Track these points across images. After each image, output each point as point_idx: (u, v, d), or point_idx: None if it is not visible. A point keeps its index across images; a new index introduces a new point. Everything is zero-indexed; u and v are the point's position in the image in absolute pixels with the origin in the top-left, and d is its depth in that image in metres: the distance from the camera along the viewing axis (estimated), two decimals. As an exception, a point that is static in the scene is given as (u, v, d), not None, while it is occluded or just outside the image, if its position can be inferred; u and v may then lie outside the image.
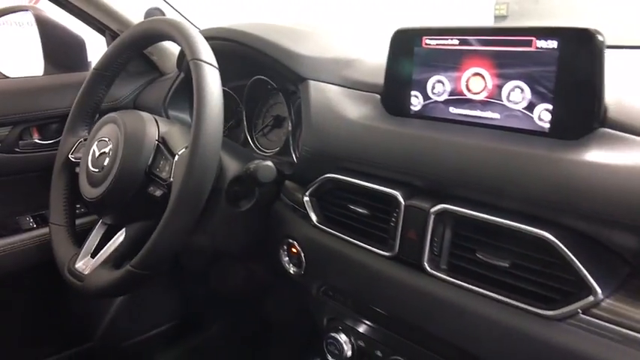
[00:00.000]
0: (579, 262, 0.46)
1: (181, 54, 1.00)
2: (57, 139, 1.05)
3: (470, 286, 0.53)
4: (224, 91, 0.99)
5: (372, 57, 0.78)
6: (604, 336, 0.45)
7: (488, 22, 5.14)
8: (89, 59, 1.20)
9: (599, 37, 0.49)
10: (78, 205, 1.16)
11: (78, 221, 0.90)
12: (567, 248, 0.46)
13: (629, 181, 0.45)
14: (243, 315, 1.36)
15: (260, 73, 0.92)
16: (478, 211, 0.53)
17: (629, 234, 0.45)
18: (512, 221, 0.50)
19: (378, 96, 0.69)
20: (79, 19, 1.15)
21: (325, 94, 0.72)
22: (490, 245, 0.53)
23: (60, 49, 1.16)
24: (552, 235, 0.47)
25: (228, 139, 0.99)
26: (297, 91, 0.79)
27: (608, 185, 0.46)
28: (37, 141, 1.10)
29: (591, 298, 0.45)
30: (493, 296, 0.51)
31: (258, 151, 0.97)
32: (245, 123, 0.99)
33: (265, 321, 1.20)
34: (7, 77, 1.18)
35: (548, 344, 0.47)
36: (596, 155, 0.48)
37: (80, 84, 0.88)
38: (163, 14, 1.06)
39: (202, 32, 0.84)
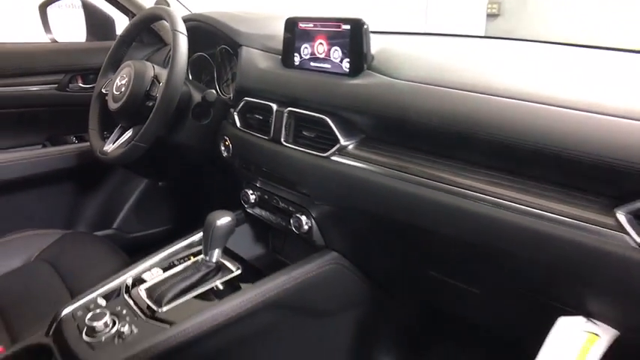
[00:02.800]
0: (336, 129, 0.96)
1: None
2: (93, 85, 1.59)
3: (300, 148, 1.04)
4: (202, 56, 1.51)
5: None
6: (351, 163, 0.95)
7: (481, 20, 5.48)
8: (117, 32, 1.73)
9: (365, 25, 0.98)
10: (105, 132, 1.70)
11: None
12: (332, 124, 0.97)
13: (364, 91, 0.94)
14: None
15: (223, 44, 1.43)
16: (305, 110, 1.04)
17: (360, 117, 0.96)
18: (316, 114, 1.01)
19: (280, 56, 1.20)
20: (112, 4, 1.69)
21: (250, 55, 1.23)
22: (309, 127, 1.04)
23: (97, 24, 1.69)
24: (328, 118, 0.98)
25: (198, 83, 1.50)
26: None
27: (355, 91, 0.95)
28: (80, 85, 1.64)
29: (338, 145, 0.96)
30: (307, 151, 1.02)
31: (222, 96, 1.49)
32: (215, 77, 1.51)
33: None
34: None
35: (326, 168, 0.98)
36: (357, 81, 0.97)
37: (110, 48, 1.40)
38: (167, 4, 1.58)
39: (184, 17, 1.36)
